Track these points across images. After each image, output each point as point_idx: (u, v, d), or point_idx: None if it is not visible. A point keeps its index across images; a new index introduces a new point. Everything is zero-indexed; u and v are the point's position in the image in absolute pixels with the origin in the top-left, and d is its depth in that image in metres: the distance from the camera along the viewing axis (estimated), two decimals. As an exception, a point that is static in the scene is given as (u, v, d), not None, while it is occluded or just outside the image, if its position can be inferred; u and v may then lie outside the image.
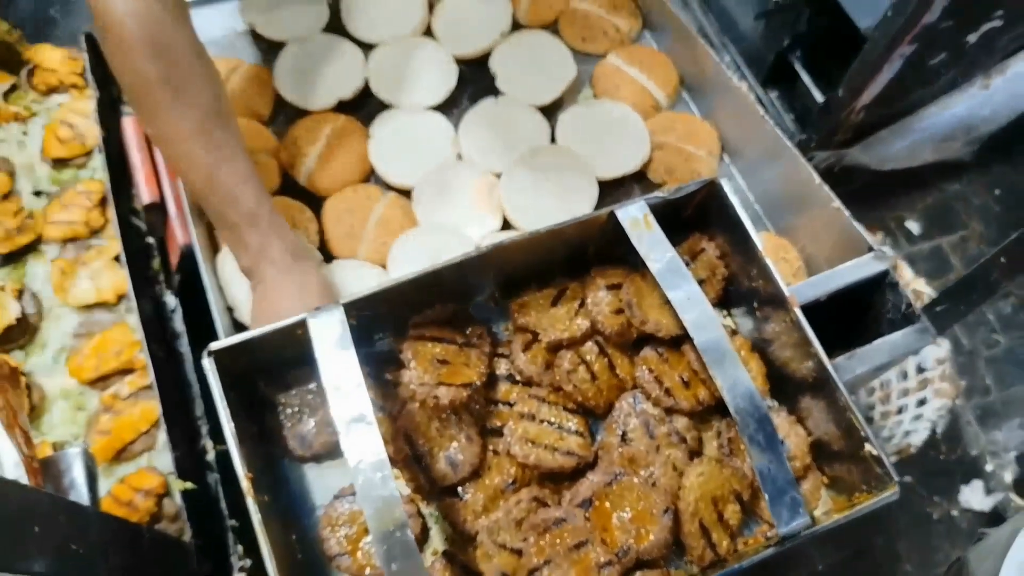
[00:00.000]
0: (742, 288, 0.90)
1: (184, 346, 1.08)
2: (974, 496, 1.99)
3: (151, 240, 1.13)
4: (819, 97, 2.07)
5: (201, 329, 1.09)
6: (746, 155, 1.19)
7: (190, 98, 0.84)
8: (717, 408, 0.84)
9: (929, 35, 1.77)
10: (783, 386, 0.87)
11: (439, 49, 1.24)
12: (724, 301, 0.94)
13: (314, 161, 1.12)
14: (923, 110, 2.15)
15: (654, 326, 0.84)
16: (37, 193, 1.16)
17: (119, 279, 1.07)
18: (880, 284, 0.98)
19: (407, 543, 0.62)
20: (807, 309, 0.93)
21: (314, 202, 1.11)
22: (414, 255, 1.05)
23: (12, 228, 1.10)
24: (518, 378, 0.87)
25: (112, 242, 1.10)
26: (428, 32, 1.27)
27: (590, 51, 1.30)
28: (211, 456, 1.02)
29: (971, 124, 2.27)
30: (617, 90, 1.23)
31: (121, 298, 1.07)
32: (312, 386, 0.84)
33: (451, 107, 1.21)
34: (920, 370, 1.66)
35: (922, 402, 1.60)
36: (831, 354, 0.92)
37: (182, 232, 1.01)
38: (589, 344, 0.87)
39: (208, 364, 0.72)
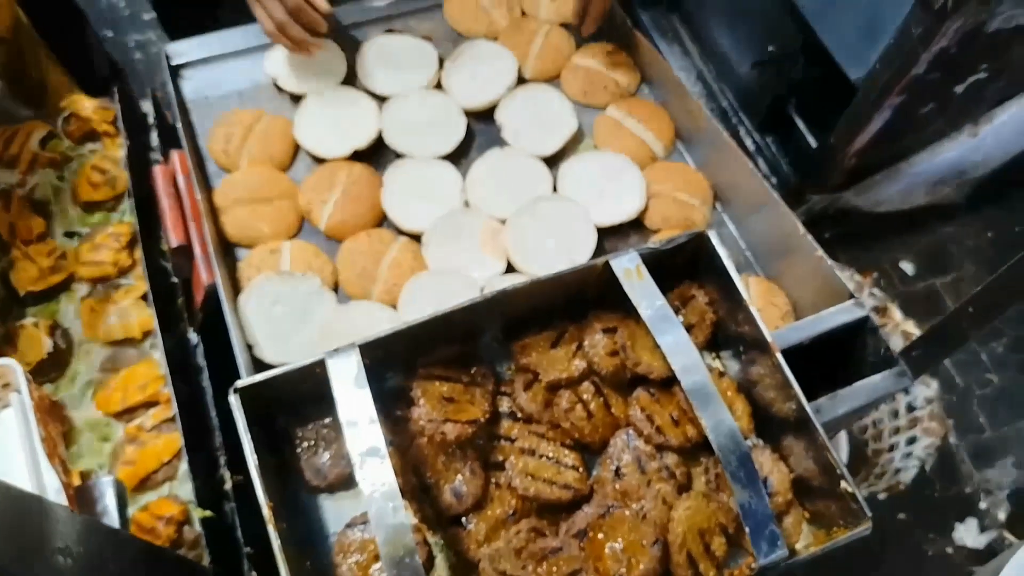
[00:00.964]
0: (729, 332, 0.96)
1: (205, 381, 1.14)
2: (968, 533, 2.02)
3: (175, 280, 1.20)
4: (813, 142, 2.15)
5: (220, 365, 1.16)
6: (737, 204, 1.26)
7: None
8: (705, 445, 0.89)
9: (917, 86, 1.86)
10: (767, 425, 0.93)
11: (449, 102, 1.32)
12: (713, 344, 1.00)
13: (331, 207, 1.19)
14: (915, 156, 2.22)
15: (646, 368, 0.90)
16: (69, 234, 1.23)
17: (145, 317, 1.13)
18: (860, 329, 1.04)
19: (416, 569, 0.68)
20: (792, 352, 0.99)
21: (330, 245, 1.19)
22: (423, 296, 1.11)
23: (46, 267, 1.17)
24: (519, 415, 0.93)
25: (139, 282, 1.17)
26: (439, 86, 1.35)
27: (591, 104, 1.38)
28: (228, 486, 1.07)
29: (962, 169, 2.34)
30: (616, 141, 1.30)
31: (146, 335, 1.13)
32: (327, 421, 0.90)
33: (460, 157, 1.28)
34: (910, 409, 1.72)
35: (912, 440, 1.65)
36: (815, 395, 0.99)
37: (207, 273, 1.07)
38: (586, 384, 0.93)
39: (234, 400, 0.78)
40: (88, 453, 1.06)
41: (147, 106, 1.36)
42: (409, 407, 0.88)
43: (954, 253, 2.52)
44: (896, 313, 1.73)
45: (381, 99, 1.32)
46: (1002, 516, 2.03)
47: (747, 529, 0.76)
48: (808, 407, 0.85)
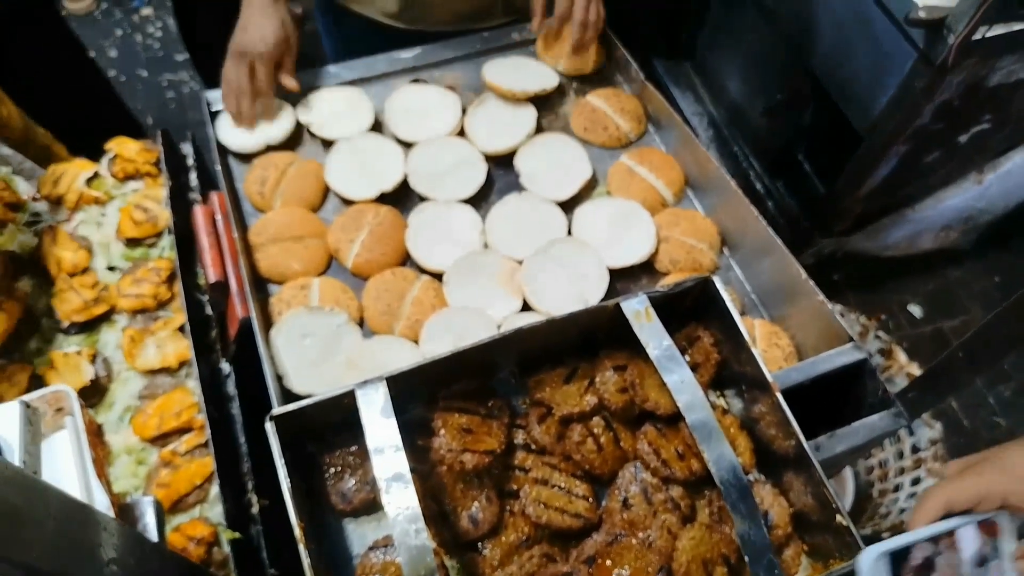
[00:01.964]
0: (733, 372, 1.02)
1: (235, 409, 1.20)
2: None
3: (210, 313, 1.27)
4: (822, 188, 2.22)
5: (249, 394, 1.22)
6: (743, 250, 1.31)
7: None
8: (708, 479, 0.93)
9: (922, 136, 1.92)
10: (769, 461, 0.97)
11: (470, 148, 1.39)
12: (717, 383, 1.05)
13: (358, 246, 1.25)
14: (920, 202, 2.28)
15: (654, 405, 0.95)
16: (111, 268, 1.30)
17: (182, 347, 1.20)
18: (859, 371, 1.09)
19: (436, 587, 0.73)
20: (794, 392, 1.04)
21: (357, 283, 1.25)
22: (444, 332, 1.17)
23: (89, 299, 1.24)
24: (533, 447, 0.98)
25: (177, 314, 1.24)
26: (461, 133, 1.43)
27: (589, 140, 1.46)
28: (255, 510, 1.13)
29: (968, 215, 2.39)
30: (629, 188, 1.37)
31: (182, 364, 1.20)
32: (353, 448, 0.96)
33: (480, 201, 1.35)
34: (915, 450, 1.75)
35: (916, 481, 1.68)
36: (815, 433, 1.04)
37: (242, 307, 1.14)
38: (596, 419, 0.98)
39: (270, 427, 0.84)
40: (124, 476, 1.12)
41: (186, 148, 1.45)
42: (430, 437, 0.93)
43: (961, 297, 2.56)
44: (901, 355, 1.77)
45: (407, 145, 1.39)
46: (1010, 559, 2.04)
47: (747, 559, 0.81)
48: (807, 445, 0.89)
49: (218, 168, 1.26)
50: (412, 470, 0.91)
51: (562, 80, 1.52)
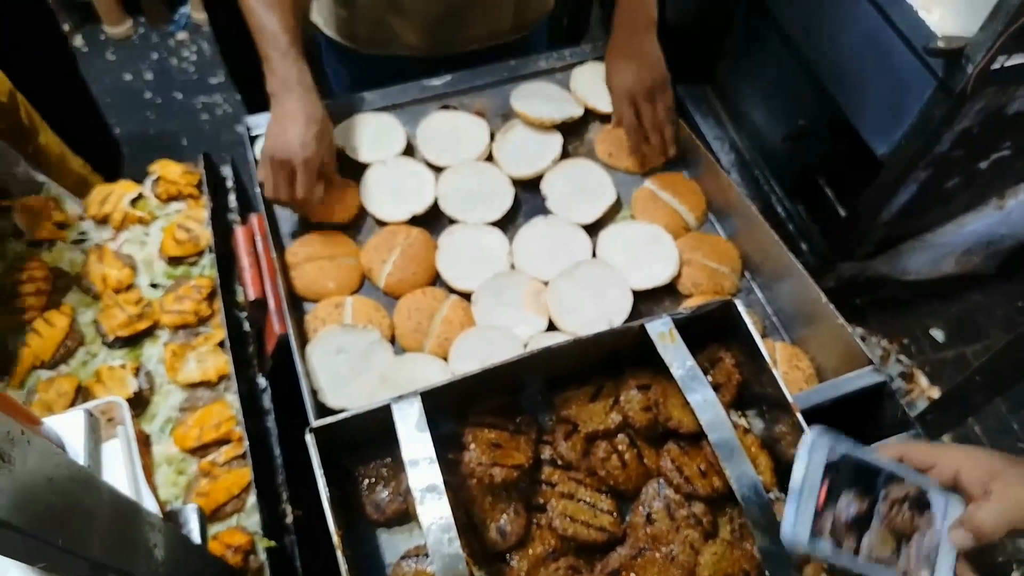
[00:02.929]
0: (754, 393, 1.05)
1: (271, 422, 1.24)
2: (1000, 603, 2.01)
3: (247, 329, 1.32)
4: (843, 212, 2.24)
5: (284, 408, 1.26)
6: (764, 273, 1.34)
7: None
8: (730, 497, 0.96)
9: (942, 162, 1.94)
10: (789, 480, 1.00)
11: (498, 173, 1.44)
12: (739, 403, 1.08)
13: (390, 266, 1.30)
14: (941, 227, 2.29)
15: (677, 423, 0.98)
16: (154, 285, 1.35)
17: (221, 362, 1.24)
18: (879, 393, 1.11)
19: (467, 594, 0.76)
20: (814, 413, 1.07)
21: (388, 301, 1.30)
22: (472, 350, 1.21)
23: (133, 315, 1.29)
24: (559, 462, 1.01)
25: (217, 330, 1.29)
26: (490, 158, 1.48)
27: (613, 165, 1.49)
28: (289, 520, 1.17)
29: (990, 240, 2.40)
30: (652, 212, 1.41)
31: (221, 378, 1.24)
32: (387, 460, 0.99)
33: (507, 223, 1.39)
34: (936, 474, 1.75)
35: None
36: (835, 454, 1.06)
37: (279, 324, 1.19)
38: (621, 436, 1.01)
39: (310, 439, 0.88)
40: (165, 485, 1.16)
41: (226, 170, 1.51)
42: (460, 451, 0.97)
43: (984, 322, 2.56)
44: (922, 379, 1.78)
45: (437, 169, 1.44)
46: (1035, 587, 2.03)
47: (767, 574, 0.84)
48: (827, 465, 0.92)
49: (258, 191, 1.32)
50: (443, 483, 0.95)
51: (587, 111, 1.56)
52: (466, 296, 1.29)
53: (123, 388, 1.21)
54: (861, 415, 1.15)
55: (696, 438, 1.00)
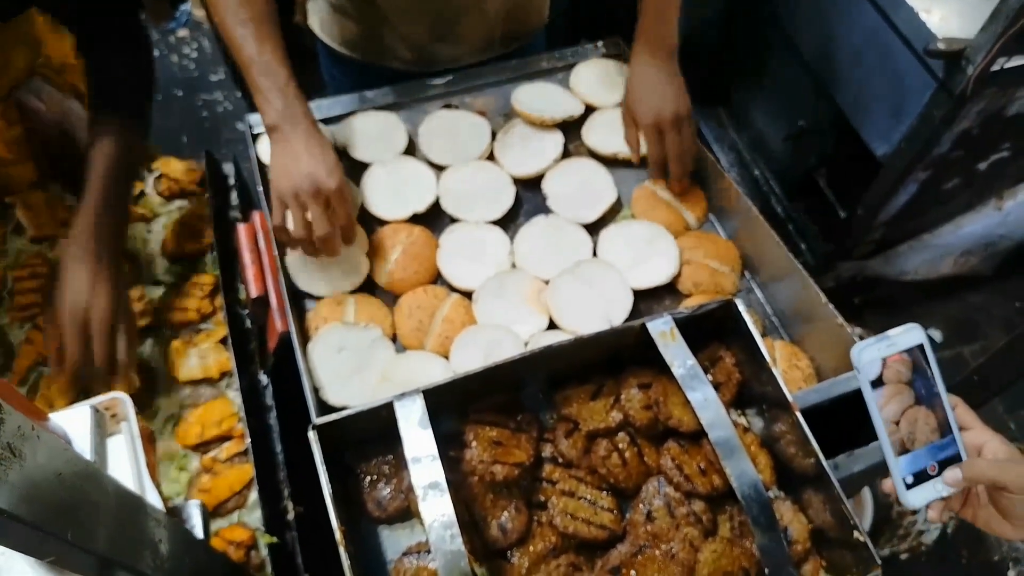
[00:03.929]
0: (754, 392, 1.05)
1: (272, 419, 1.25)
2: (996, 602, 2.03)
3: (250, 327, 1.32)
4: (842, 213, 2.24)
5: (286, 405, 1.27)
6: (764, 273, 1.35)
7: (249, 1, 1.17)
8: (729, 495, 0.97)
9: (941, 163, 1.95)
10: (788, 479, 1.01)
11: (500, 172, 1.44)
12: (738, 402, 1.09)
13: (391, 264, 1.30)
14: (940, 227, 2.30)
15: (677, 422, 0.99)
16: (156, 282, 1.36)
17: (223, 359, 1.25)
18: (877, 393, 1.11)
19: (469, 590, 0.77)
20: (813, 412, 1.07)
21: (390, 299, 1.30)
22: (473, 349, 1.21)
23: (135, 312, 1.30)
24: (560, 460, 1.02)
25: (219, 327, 1.29)
26: (491, 157, 1.48)
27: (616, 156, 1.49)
28: (290, 516, 1.18)
29: (988, 241, 2.41)
30: (652, 212, 1.41)
31: (223, 375, 1.25)
32: (388, 457, 1.00)
33: (508, 222, 1.39)
34: (933, 473, 1.76)
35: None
36: (835, 452, 1.06)
37: (281, 321, 1.19)
38: (622, 434, 1.02)
39: (312, 436, 0.89)
40: (167, 481, 1.17)
41: (228, 168, 1.51)
42: (462, 449, 0.98)
43: (982, 322, 2.57)
44: (920, 379, 1.79)
45: (439, 168, 1.44)
46: (1031, 586, 2.04)
47: (767, 572, 0.84)
48: (826, 463, 0.93)
49: (260, 189, 1.32)
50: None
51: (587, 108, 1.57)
52: (467, 295, 1.29)
53: (125, 385, 1.21)
54: (860, 414, 1.15)
55: (696, 436, 1.01)
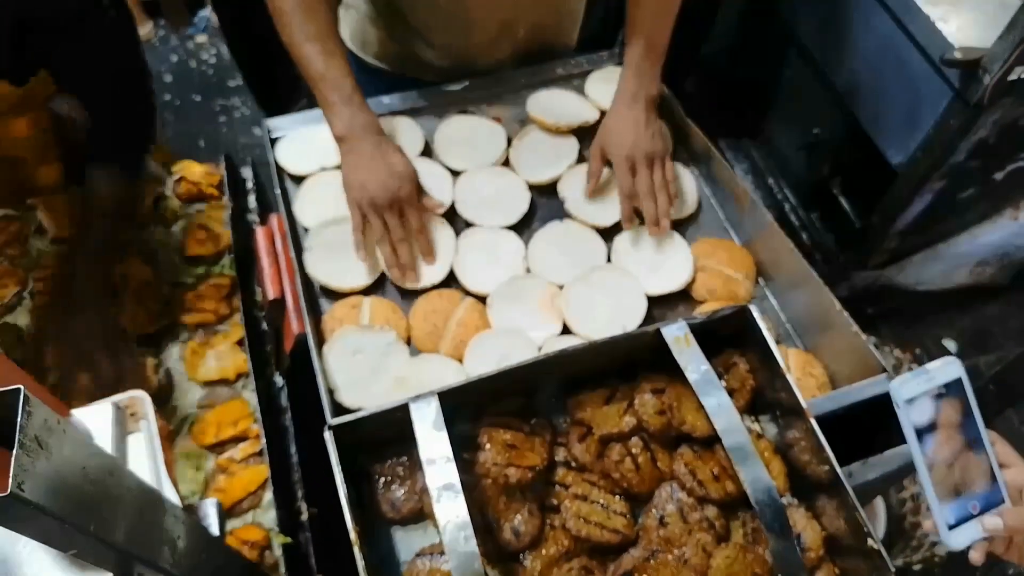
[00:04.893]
0: (768, 398, 1.05)
1: (287, 420, 1.26)
2: (1012, 616, 2.00)
3: (266, 328, 1.34)
4: (857, 222, 2.24)
5: (301, 406, 1.28)
6: (779, 280, 1.35)
7: (313, 17, 1.25)
8: (742, 501, 0.97)
9: (957, 172, 1.94)
10: (802, 486, 1.01)
11: (515, 178, 1.45)
12: (752, 408, 1.09)
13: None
14: (956, 237, 2.29)
15: (690, 427, 0.99)
16: (175, 284, 1.38)
17: (240, 360, 1.26)
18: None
19: (483, 592, 0.77)
20: (827, 420, 1.07)
21: (405, 303, 1.30)
22: (487, 353, 1.22)
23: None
24: (573, 464, 1.02)
25: (236, 328, 1.31)
26: (506, 162, 1.49)
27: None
28: (304, 517, 1.18)
29: (1005, 251, 2.40)
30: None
31: (239, 376, 1.26)
32: (402, 459, 1.01)
33: (523, 227, 1.39)
34: (948, 484, 1.75)
35: (949, 515, 1.68)
36: (849, 460, 1.06)
37: (297, 323, 1.20)
38: (635, 439, 1.02)
39: (328, 437, 0.90)
40: (183, 480, 1.18)
41: (246, 171, 1.53)
42: (476, 451, 0.98)
43: (997, 333, 2.55)
44: (935, 389, 1.78)
45: (455, 173, 1.45)
46: (1046, 601, 2.02)
47: (780, 577, 0.84)
48: (840, 471, 0.92)
49: (278, 192, 1.33)
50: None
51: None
52: (481, 299, 1.30)
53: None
54: (874, 424, 1.15)
55: (709, 442, 1.01)
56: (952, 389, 0.81)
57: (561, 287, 1.31)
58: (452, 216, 1.40)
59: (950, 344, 2.53)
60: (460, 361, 1.23)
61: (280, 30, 1.28)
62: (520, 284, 1.31)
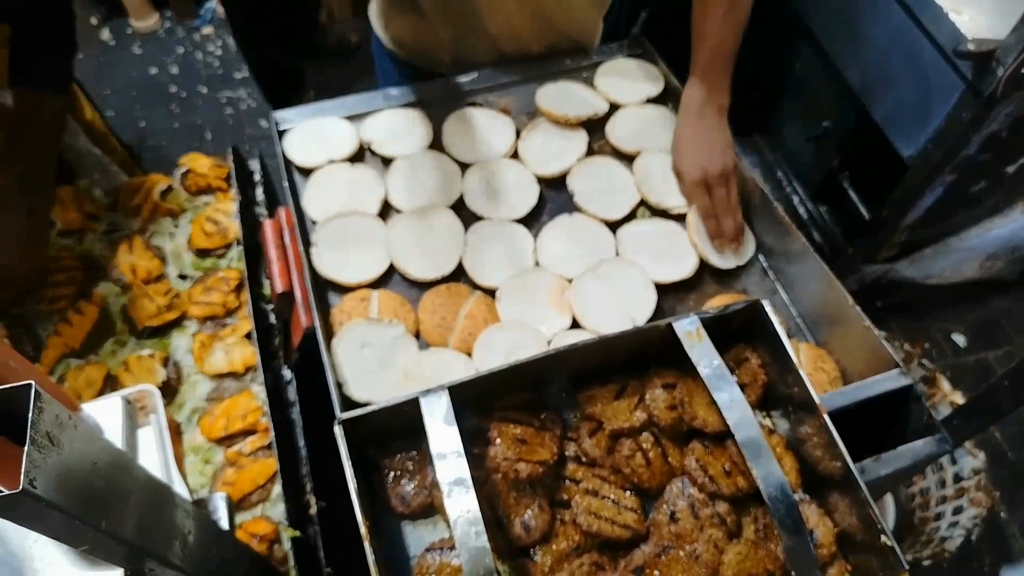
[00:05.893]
0: (780, 393, 1.05)
1: (296, 414, 1.26)
2: (1020, 610, 2.00)
3: (274, 322, 1.33)
4: (866, 214, 2.22)
5: (309, 400, 1.27)
6: (790, 274, 1.34)
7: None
8: (755, 496, 0.97)
9: (968, 165, 1.92)
10: (814, 482, 1.00)
11: (524, 170, 1.44)
12: (764, 404, 1.08)
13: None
14: (966, 230, 2.27)
15: (702, 422, 0.98)
16: (183, 277, 1.37)
17: (248, 353, 1.26)
18: (904, 397, 1.10)
19: (494, 587, 0.77)
20: (839, 415, 1.06)
21: (414, 296, 1.30)
22: (496, 347, 1.21)
23: (162, 306, 1.31)
24: (584, 459, 1.02)
25: (244, 321, 1.30)
26: (515, 155, 1.48)
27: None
28: (313, 511, 1.18)
29: (1015, 245, 2.38)
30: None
31: (247, 369, 1.26)
32: (412, 453, 1.00)
33: (532, 220, 1.39)
34: (957, 479, 1.75)
35: (958, 510, 1.68)
36: (860, 456, 1.05)
37: (306, 317, 1.20)
38: (646, 434, 1.01)
39: (338, 431, 0.89)
40: (192, 473, 1.18)
41: (254, 164, 1.52)
42: (486, 446, 0.98)
43: (1007, 327, 2.53)
44: (944, 384, 1.77)
45: (463, 165, 1.45)
46: (1055, 596, 2.01)
47: (792, 574, 0.84)
48: (853, 467, 0.91)
49: (286, 184, 1.33)
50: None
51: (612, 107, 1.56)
52: (490, 292, 1.29)
53: (151, 377, 1.23)
54: (886, 419, 1.14)
55: (721, 437, 1.00)
56: None
57: (570, 280, 1.30)
58: (460, 209, 1.39)
59: (959, 338, 2.52)
60: (469, 355, 1.22)
61: None
62: (529, 277, 1.30)
